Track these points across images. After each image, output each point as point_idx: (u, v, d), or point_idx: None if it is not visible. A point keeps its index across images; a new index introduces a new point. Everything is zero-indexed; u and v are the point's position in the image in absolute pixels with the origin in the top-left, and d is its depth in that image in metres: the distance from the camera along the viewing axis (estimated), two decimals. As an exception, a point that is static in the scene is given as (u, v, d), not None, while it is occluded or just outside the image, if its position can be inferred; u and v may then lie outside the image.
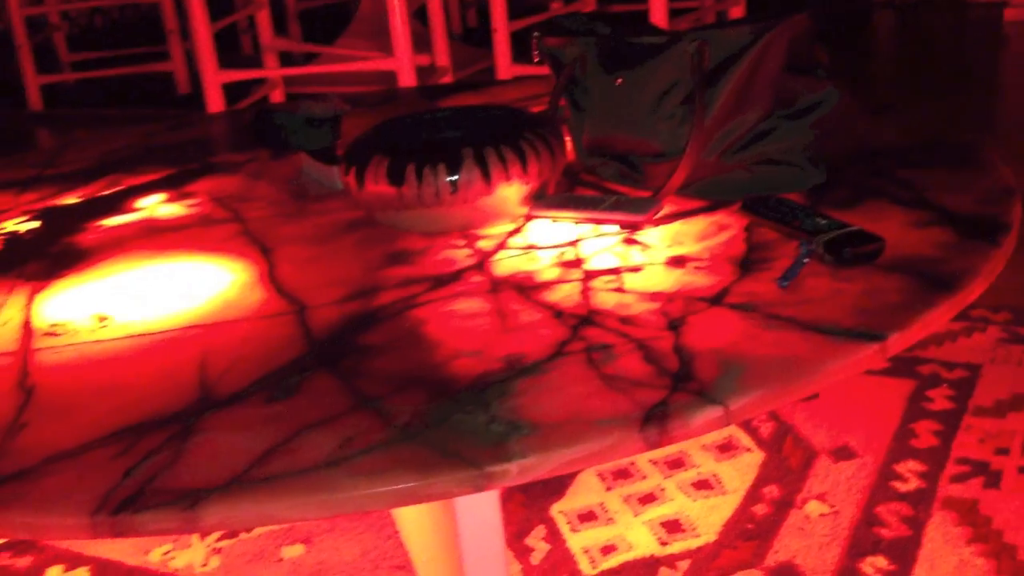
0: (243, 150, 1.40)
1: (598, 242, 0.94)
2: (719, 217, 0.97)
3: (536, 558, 1.12)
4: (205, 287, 0.93)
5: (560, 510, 1.19)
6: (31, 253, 1.08)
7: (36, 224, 1.17)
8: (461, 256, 0.94)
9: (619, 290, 0.83)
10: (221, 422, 0.69)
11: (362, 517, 1.20)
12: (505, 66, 2.61)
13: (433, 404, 0.68)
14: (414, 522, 1.05)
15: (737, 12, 2.92)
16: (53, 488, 0.64)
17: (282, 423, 0.68)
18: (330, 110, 1.35)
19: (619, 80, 1.06)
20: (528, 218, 1.01)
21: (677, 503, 1.18)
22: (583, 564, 1.10)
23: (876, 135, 1.20)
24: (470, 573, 0.78)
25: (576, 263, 0.90)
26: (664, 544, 1.12)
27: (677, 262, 0.88)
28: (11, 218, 1.20)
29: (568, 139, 1.11)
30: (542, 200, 1.01)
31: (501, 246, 0.95)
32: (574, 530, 1.15)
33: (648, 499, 1.20)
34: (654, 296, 0.82)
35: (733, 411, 0.66)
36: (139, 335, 0.84)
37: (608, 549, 1.12)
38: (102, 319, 0.88)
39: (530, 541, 1.14)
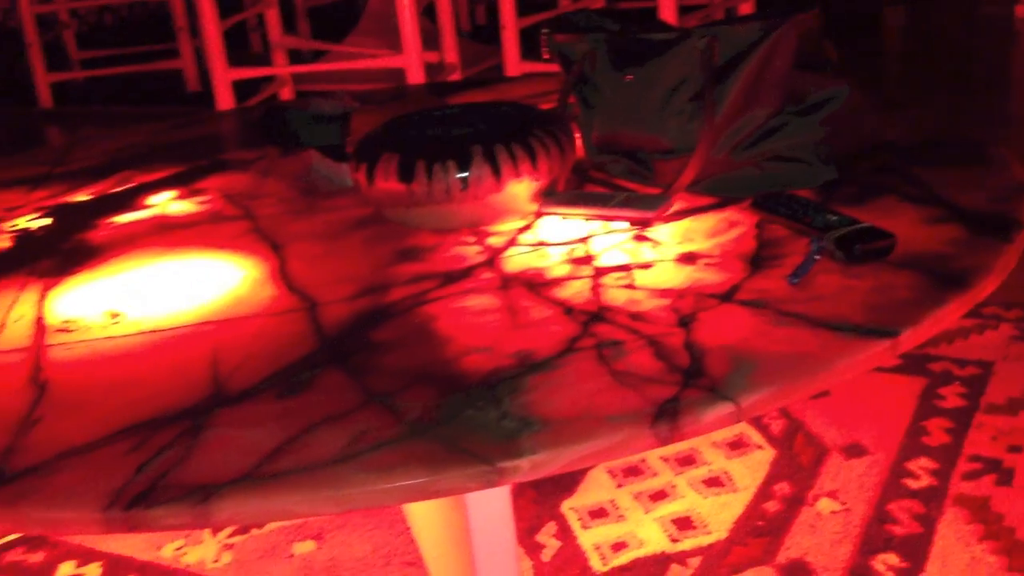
0: (253, 147, 1.40)
1: (608, 239, 0.94)
2: (729, 214, 0.97)
3: (547, 555, 1.12)
4: (216, 284, 0.93)
5: (571, 507, 1.19)
6: (43, 250, 1.08)
7: (48, 221, 1.18)
8: (471, 253, 0.94)
9: (629, 287, 0.83)
10: (233, 418, 0.69)
11: (373, 513, 1.21)
12: (514, 63, 2.61)
13: (444, 400, 0.68)
14: (425, 518, 1.05)
15: (746, 9, 2.92)
16: (66, 483, 0.64)
17: (293, 419, 0.68)
18: (339, 107, 1.35)
19: (629, 77, 1.06)
20: (538, 215, 1.01)
21: (688, 500, 1.18)
22: (594, 561, 1.10)
23: (887, 132, 1.19)
24: (481, 569, 0.79)
25: (586, 260, 0.90)
26: (675, 541, 1.12)
27: (688, 259, 0.88)
28: (23, 215, 1.21)
29: (577, 136, 1.11)
30: (552, 197, 1.01)
31: (511, 243, 0.95)
32: (585, 527, 1.16)
33: (659, 496, 1.20)
34: (665, 292, 0.82)
35: (744, 407, 0.66)
36: (151, 331, 0.85)
37: (619, 546, 1.12)
38: (114, 315, 0.88)
39: (541, 538, 1.14)
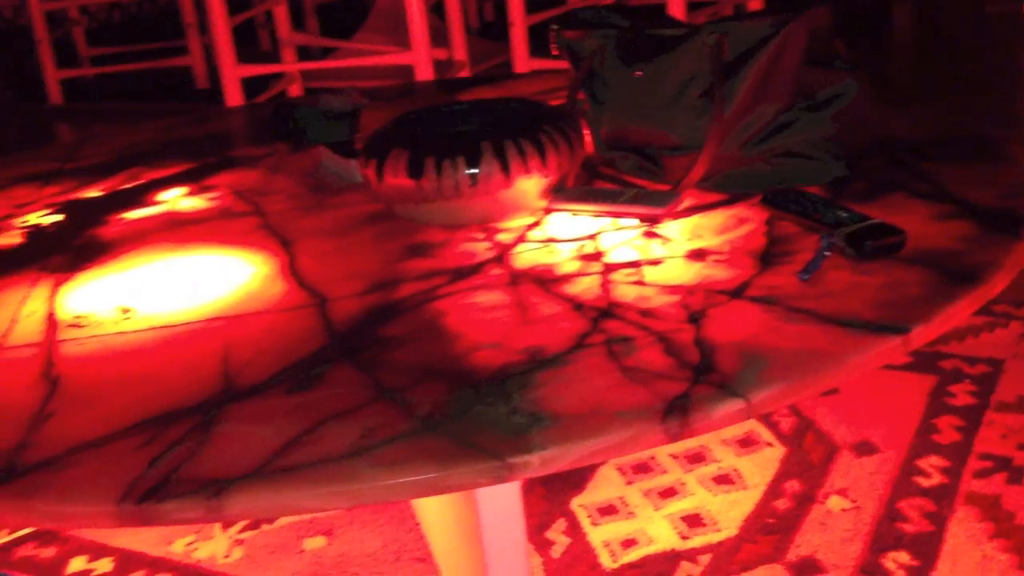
0: (262, 144, 1.40)
1: (617, 235, 0.94)
2: (739, 210, 0.97)
3: (557, 551, 1.12)
4: (226, 280, 0.94)
5: (580, 504, 1.19)
6: (54, 246, 1.09)
7: (59, 217, 1.18)
8: (481, 249, 0.94)
9: (639, 283, 0.83)
10: (244, 413, 0.69)
11: (383, 509, 1.21)
12: (522, 60, 2.61)
13: (454, 395, 0.69)
14: (435, 514, 1.05)
15: (755, 6, 2.91)
16: (79, 477, 0.64)
17: (304, 414, 0.68)
18: (349, 104, 1.35)
19: (638, 73, 1.06)
20: (547, 211, 1.01)
21: (698, 497, 1.18)
22: (604, 558, 1.10)
23: (896, 128, 1.19)
24: (491, 564, 0.79)
25: (596, 256, 0.90)
26: (685, 538, 1.12)
27: (697, 255, 0.88)
28: (34, 211, 1.21)
29: (587, 132, 1.10)
30: (561, 193, 1.01)
31: (520, 239, 0.95)
32: (595, 524, 1.16)
33: (669, 493, 1.20)
34: (674, 289, 0.82)
35: (755, 404, 0.66)
36: (162, 327, 0.85)
37: (629, 543, 1.12)
38: (125, 311, 0.89)
39: (551, 534, 1.14)
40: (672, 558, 1.09)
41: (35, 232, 1.14)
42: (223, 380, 0.74)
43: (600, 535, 1.14)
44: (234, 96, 2.52)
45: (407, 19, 2.38)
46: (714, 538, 1.11)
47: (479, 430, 0.64)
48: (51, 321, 0.89)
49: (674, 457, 1.26)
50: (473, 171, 0.95)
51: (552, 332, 0.76)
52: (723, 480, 1.21)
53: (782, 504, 1.16)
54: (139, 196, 1.23)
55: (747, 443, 1.27)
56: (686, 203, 1.00)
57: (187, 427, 0.68)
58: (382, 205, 1.06)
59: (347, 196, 1.13)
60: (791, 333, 0.73)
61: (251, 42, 4.41)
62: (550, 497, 1.20)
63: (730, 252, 0.88)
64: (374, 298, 0.86)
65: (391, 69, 2.64)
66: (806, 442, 1.27)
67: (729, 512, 1.15)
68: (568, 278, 0.86)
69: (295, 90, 2.99)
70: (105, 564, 1.18)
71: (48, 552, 1.21)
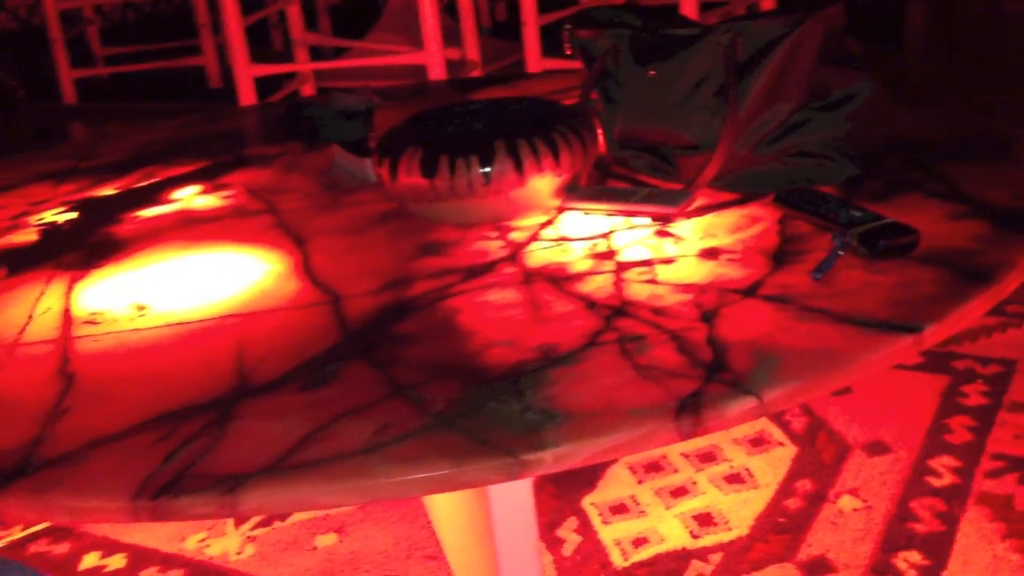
0: (275, 143, 1.41)
1: (630, 234, 0.94)
2: (752, 209, 0.97)
3: (568, 549, 1.12)
4: (241, 277, 0.94)
5: (592, 502, 1.19)
6: (69, 243, 1.09)
7: (74, 215, 1.19)
8: (494, 247, 0.94)
9: (652, 281, 0.83)
10: (258, 409, 0.70)
11: (395, 507, 1.21)
12: (535, 60, 2.61)
13: (467, 392, 0.69)
14: (447, 511, 1.06)
15: (768, 5, 2.91)
16: (94, 473, 0.65)
17: (318, 411, 0.68)
18: (362, 103, 1.36)
19: (651, 72, 1.06)
20: (560, 210, 1.01)
21: (709, 496, 1.18)
22: (614, 556, 1.10)
23: (910, 128, 1.19)
24: (503, 561, 0.79)
25: (608, 255, 0.90)
26: (696, 537, 1.12)
27: (710, 254, 0.88)
28: (49, 209, 1.22)
29: (600, 131, 1.11)
30: (574, 192, 1.01)
31: (533, 238, 0.96)
32: (606, 522, 1.16)
33: (680, 492, 1.20)
34: (687, 288, 0.82)
35: (767, 402, 0.66)
36: (177, 324, 0.85)
37: (640, 541, 1.12)
38: (140, 308, 0.89)
39: (562, 532, 1.15)
40: (683, 557, 1.09)
41: (50, 230, 1.15)
42: (238, 377, 0.75)
43: (611, 534, 1.14)
44: (247, 96, 2.52)
45: (419, 19, 2.39)
46: (725, 537, 1.11)
47: (492, 427, 0.64)
48: (67, 318, 0.89)
49: (685, 456, 1.26)
50: (486, 170, 0.95)
51: (565, 330, 0.76)
52: (734, 479, 1.21)
53: (793, 503, 1.16)
54: (154, 194, 1.23)
55: (759, 442, 1.27)
56: (699, 202, 1.00)
57: (202, 423, 0.69)
58: (395, 204, 1.06)
59: (361, 195, 1.13)
60: (804, 332, 0.73)
61: (264, 42, 4.43)
62: (561, 495, 1.21)
63: (743, 251, 0.88)
64: (388, 296, 0.86)
65: (403, 69, 2.64)
66: (818, 442, 1.26)
67: (740, 511, 1.15)
68: (581, 276, 0.86)
69: (308, 90, 3.00)
70: (118, 560, 1.19)
71: (61, 548, 1.22)
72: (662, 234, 0.93)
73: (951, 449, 1.22)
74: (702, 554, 1.09)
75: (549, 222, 0.99)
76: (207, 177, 1.28)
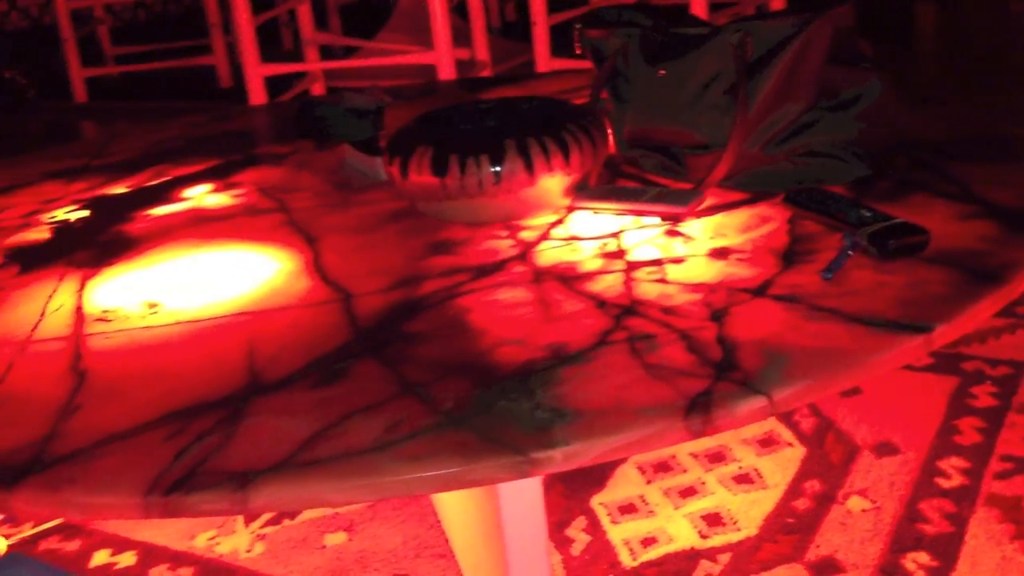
0: (286, 142, 1.41)
1: (640, 233, 0.94)
2: (762, 209, 0.97)
3: (576, 549, 1.12)
4: (252, 275, 0.94)
5: (600, 502, 1.19)
6: (81, 241, 1.10)
7: (86, 213, 1.20)
8: (504, 246, 0.94)
9: (661, 281, 0.84)
10: (269, 407, 0.70)
11: (404, 505, 1.21)
12: (544, 59, 2.61)
13: (477, 391, 0.69)
14: (456, 510, 1.06)
15: (777, 5, 2.90)
16: (106, 469, 0.65)
17: (329, 408, 0.69)
18: (372, 102, 1.36)
19: (661, 72, 1.06)
20: (570, 209, 1.01)
21: (718, 496, 1.18)
22: (623, 556, 1.10)
23: (920, 128, 1.19)
24: (512, 559, 0.79)
25: (618, 254, 0.90)
26: (705, 537, 1.12)
27: (720, 254, 0.88)
28: (61, 207, 1.23)
29: (609, 131, 1.11)
30: (584, 191, 1.01)
31: (543, 237, 0.96)
32: (614, 522, 1.16)
33: (688, 492, 1.20)
34: (697, 287, 0.82)
35: (777, 401, 0.66)
36: (188, 321, 0.86)
37: (648, 541, 1.12)
38: (152, 306, 0.90)
39: (570, 532, 1.15)
40: (692, 557, 1.09)
41: (62, 228, 1.16)
42: (249, 374, 0.75)
43: (620, 533, 1.14)
44: (257, 95, 2.53)
45: (429, 19, 2.39)
46: (734, 537, 1.11)
47: (502, 425, 0.65)
48: (79, 315, 0.90)
49: (694, 456, 1.26)
50: (497, 169, 0.96)
51: (575, 329, 0.76)
52: (743, 480, 1.21)
53: (802, 504, 1.16)
54: (165, 193, 1.24)
55: (767, 443, 1.27)
56: (709, 202, 1.00)
57: (213, 420, 0.69)
58: (406, 202, 1.07)
59: (371, 193, 1.14)
60: (813, 331, 0.73)
61: (274, 41, 4.44)
62: (570, 495, 1.21)
63: (753, 251, 0.88)
64: (398, 294, 0.86)
65: (413, 69, 2.65)
66: (827, 442, 1.26)
67: (749, 511, 1.15)
68: (591, 276, 0.86)
69: (318, 89, 3.01)
70: (128, 558, 1.19)
71: (72, 545, 1.22)
72: (672, 233, 0.94)
73: (960, 450, 1.22)
74: (711, 554, 1.09)
75: (559, 221, 0.99)
76: (218, 176, 1.29)
